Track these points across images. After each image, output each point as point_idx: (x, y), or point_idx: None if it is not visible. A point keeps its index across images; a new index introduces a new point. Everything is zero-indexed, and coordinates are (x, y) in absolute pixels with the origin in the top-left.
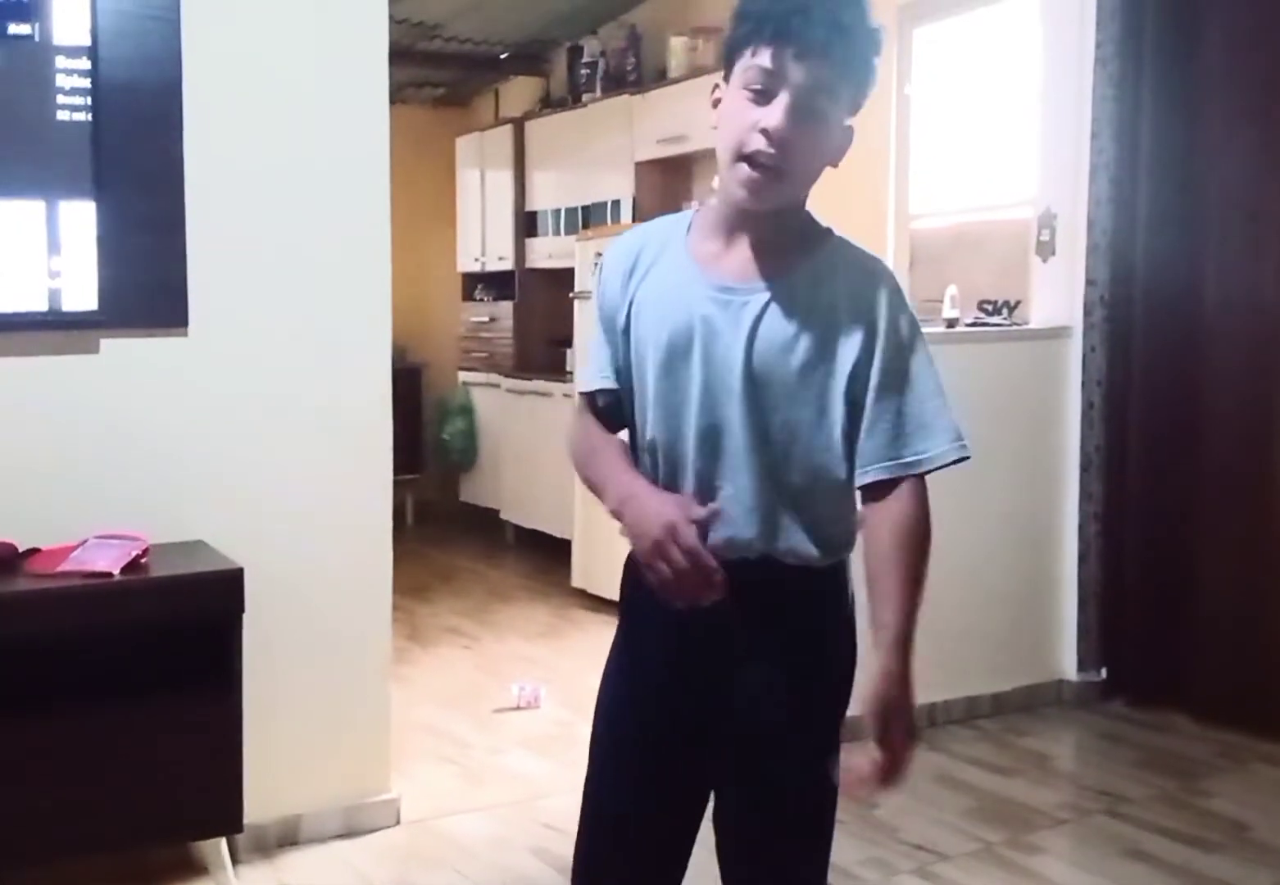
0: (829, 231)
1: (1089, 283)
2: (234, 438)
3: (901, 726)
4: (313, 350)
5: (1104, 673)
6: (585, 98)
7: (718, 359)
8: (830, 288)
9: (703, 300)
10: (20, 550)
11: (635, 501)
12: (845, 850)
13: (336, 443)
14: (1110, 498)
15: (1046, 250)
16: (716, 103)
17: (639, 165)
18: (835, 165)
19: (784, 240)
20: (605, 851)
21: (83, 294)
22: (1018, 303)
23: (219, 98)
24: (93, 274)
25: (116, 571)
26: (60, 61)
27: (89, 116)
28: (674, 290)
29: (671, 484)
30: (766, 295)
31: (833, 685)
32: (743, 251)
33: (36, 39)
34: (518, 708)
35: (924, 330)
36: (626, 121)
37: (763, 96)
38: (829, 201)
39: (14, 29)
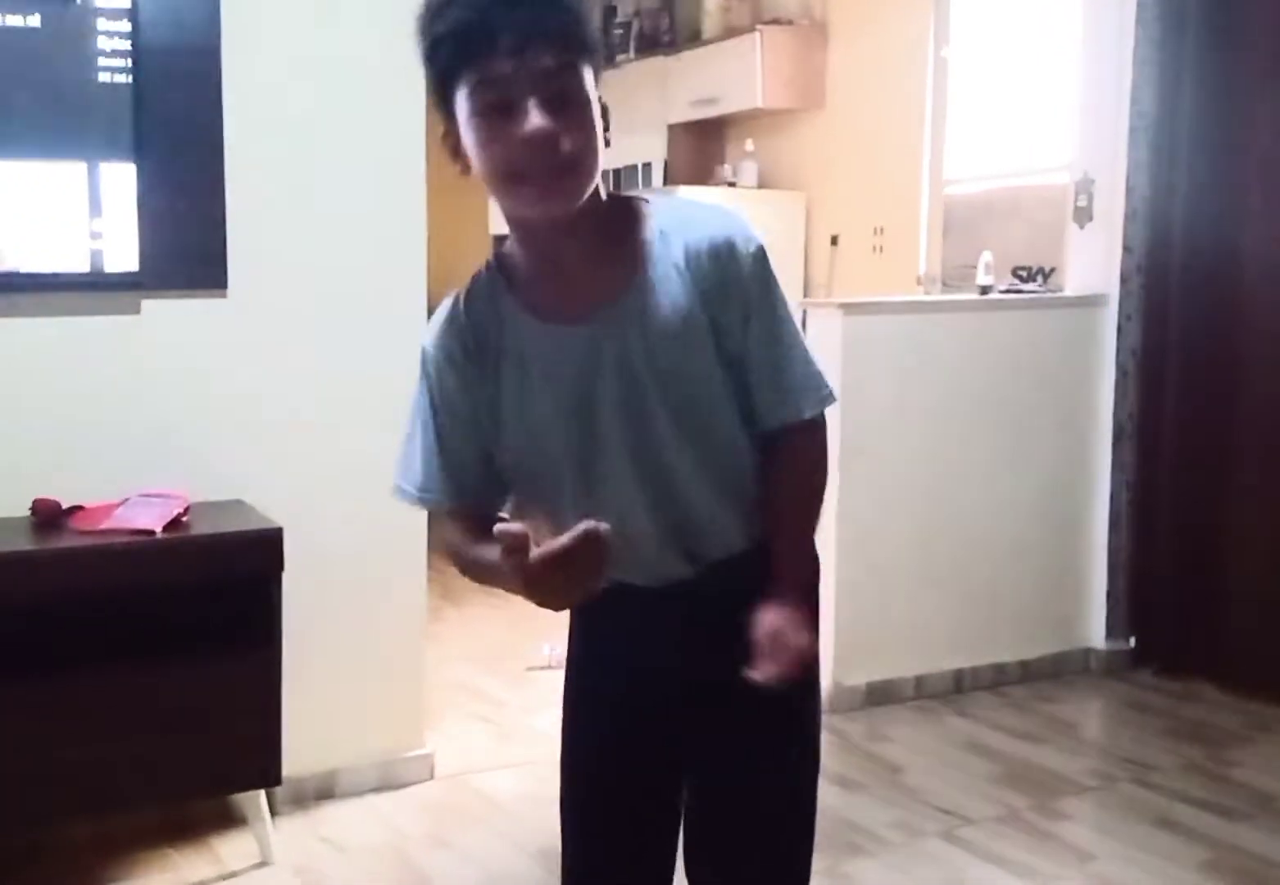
0: (640, 204)
1: (1126, 250)
2: (272, 398)
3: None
4: (349, 311)
5: (1132, 641)
6: (619, 59)
7: (629, 402)
8: (675, 272)
9: (555, 349)
10: (64, 507)
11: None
12: (871, 811)
13: (373, 403)
14: (1142, 467)
15: (1084, 216)
16: (455, 152)
17: (671, 128)
18: (608, 143)
19: (606, 241)
20: (594, 857)
21: (124, 255)
22: (1053, 270)
23: (257, 60)
24: (134, 236)
25: (159, 529)
26: (101, 23)
27: (129, 79)
28: (544, 360)
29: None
30: (627, 313)
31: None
32: (575, 280)
33: (78, 2)
34: (549, 667)
35: (958, 296)
36: (660, 83)
37: (505, 110)
38: (862, 165)
39: None
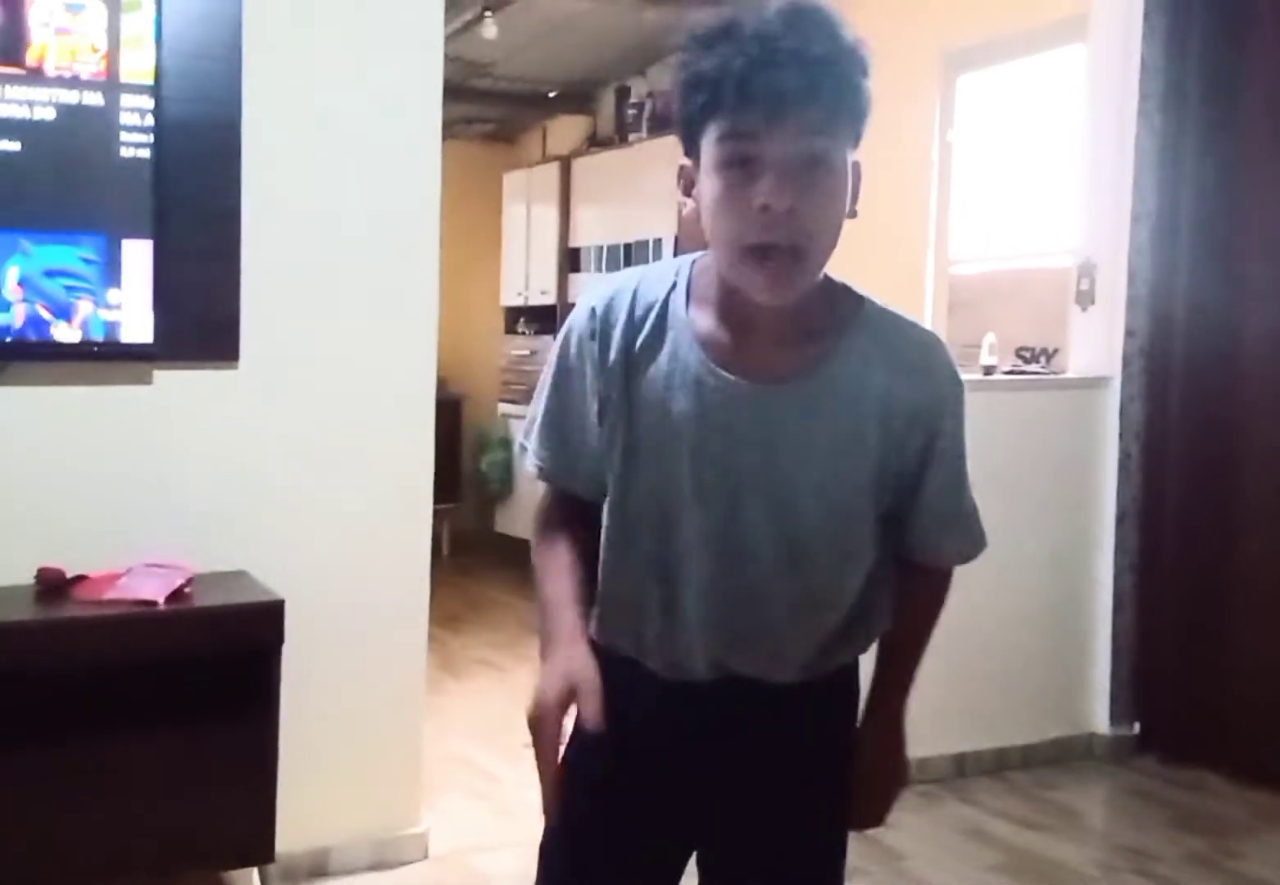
0: (861, 301)
1: (1129, 333)
2: (278, 469)
3: (889, 803)
4: (359, 384)
5: (1137, 727)
6: (631, 137)
7: (736, 469)
8: (867, 388)
9: (722, 402)
10: (69, 576)
11: (546, 664)
12: None
13: (378, 475)
14: (1146, 550)
15: (1086, 299)
16: (688, 188)
17: (682, 204)
18: (854, 215)
19: (810, 322)
20: None
21: (139, 327)
22: (1055, 351)
23: (276, 135)
24: (149, 308)
25: (161, 600)
26: (125, 100)
27: (150, 153)
28: (684, 389)
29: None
30: (799, 395)
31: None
32: (762, 343)
33: (104, 77)
34: None
35: (962, 377)
36: (671, 160)
37: (748, 169)
38: (869, 245)
39: (81, 68)
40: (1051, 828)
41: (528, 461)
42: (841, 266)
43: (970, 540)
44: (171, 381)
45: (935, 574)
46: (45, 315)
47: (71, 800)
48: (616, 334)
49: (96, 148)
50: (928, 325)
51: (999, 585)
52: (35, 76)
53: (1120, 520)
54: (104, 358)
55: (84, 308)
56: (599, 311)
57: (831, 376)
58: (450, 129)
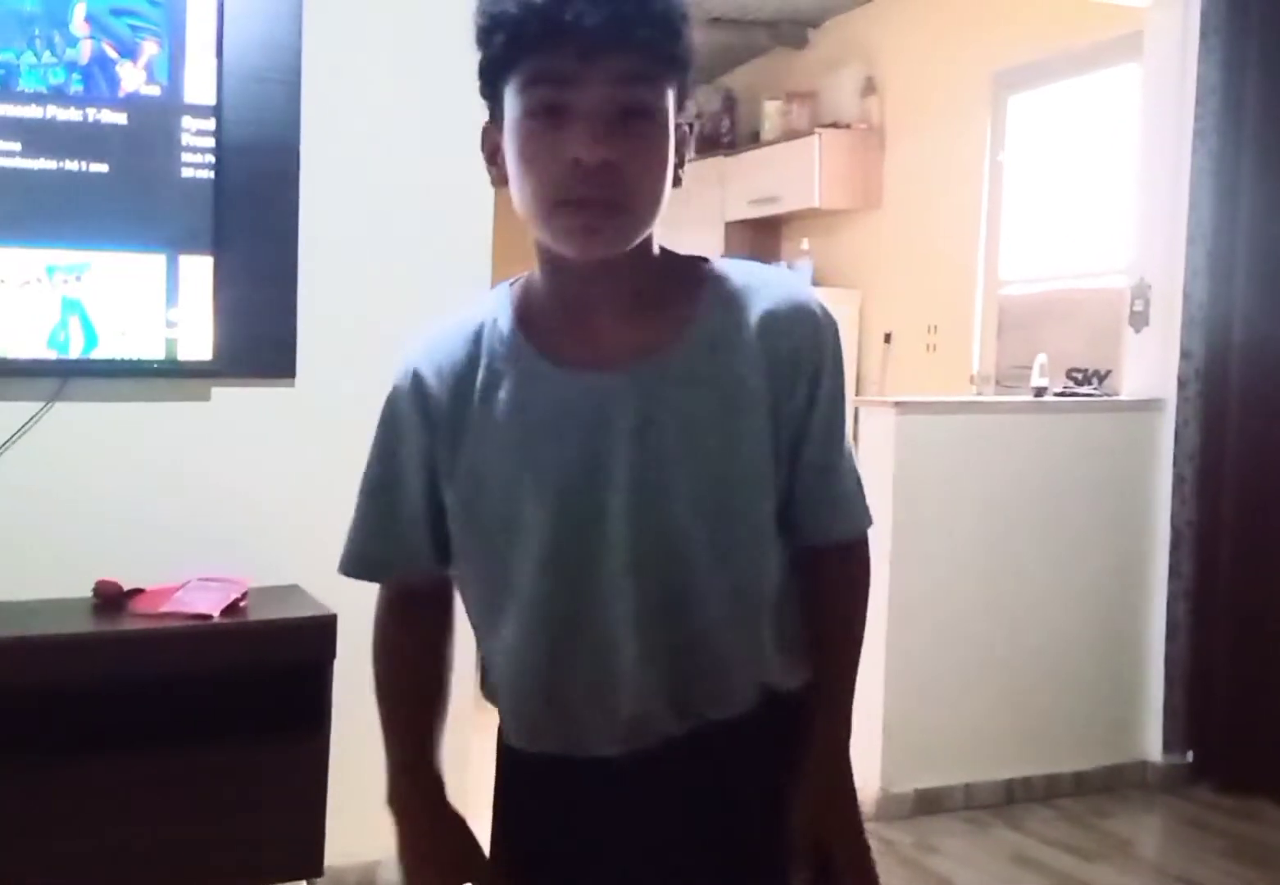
0: (702, 261)
1: (1184, 355)
2: (333, 486)
3: (853, 856)
4: None
5: (1190, 756)
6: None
7: (646, 480)
8: (739, 343)
9: (589, 404)
10: (125, 590)
11: (411, 833)
12: None
13: None
14: (1200, 575)
15: (1140, 321)
16: (493, 154)
17: (729, 225)
18: (678, 181)
19: (650, 299)
20: None
21: (198, 344)
22: (1108, 372)
23: (333, 157)
24: (208, 325)
25: (216, 614)
26: (187, 121)
27: (211, 174)
28: (540, 404)
29: (566, 677)
30: (669, 371)
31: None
32: (606, 327)
33: (167, 99)
34: None
35: (1013, 398)
36: (719, 181)
37: (557, 119)
38: (917, 265)
39: (146, 90)
40: (1103, 856)
41: (342, 563)
42: (892, 286)
43: (851, 507)
44: (229, 398)
45: (831, 559)
46: (105, 332)
47: (123, 814)
48: (439, 387)
49: (158, 168)
50: (977, 346)
51: (1050, 609)
52: (100, 96)
53: (1174, 545)
54: (162, 374)
55: (143, 324)
56: (412, 373)
57: (697, 343)
58: None
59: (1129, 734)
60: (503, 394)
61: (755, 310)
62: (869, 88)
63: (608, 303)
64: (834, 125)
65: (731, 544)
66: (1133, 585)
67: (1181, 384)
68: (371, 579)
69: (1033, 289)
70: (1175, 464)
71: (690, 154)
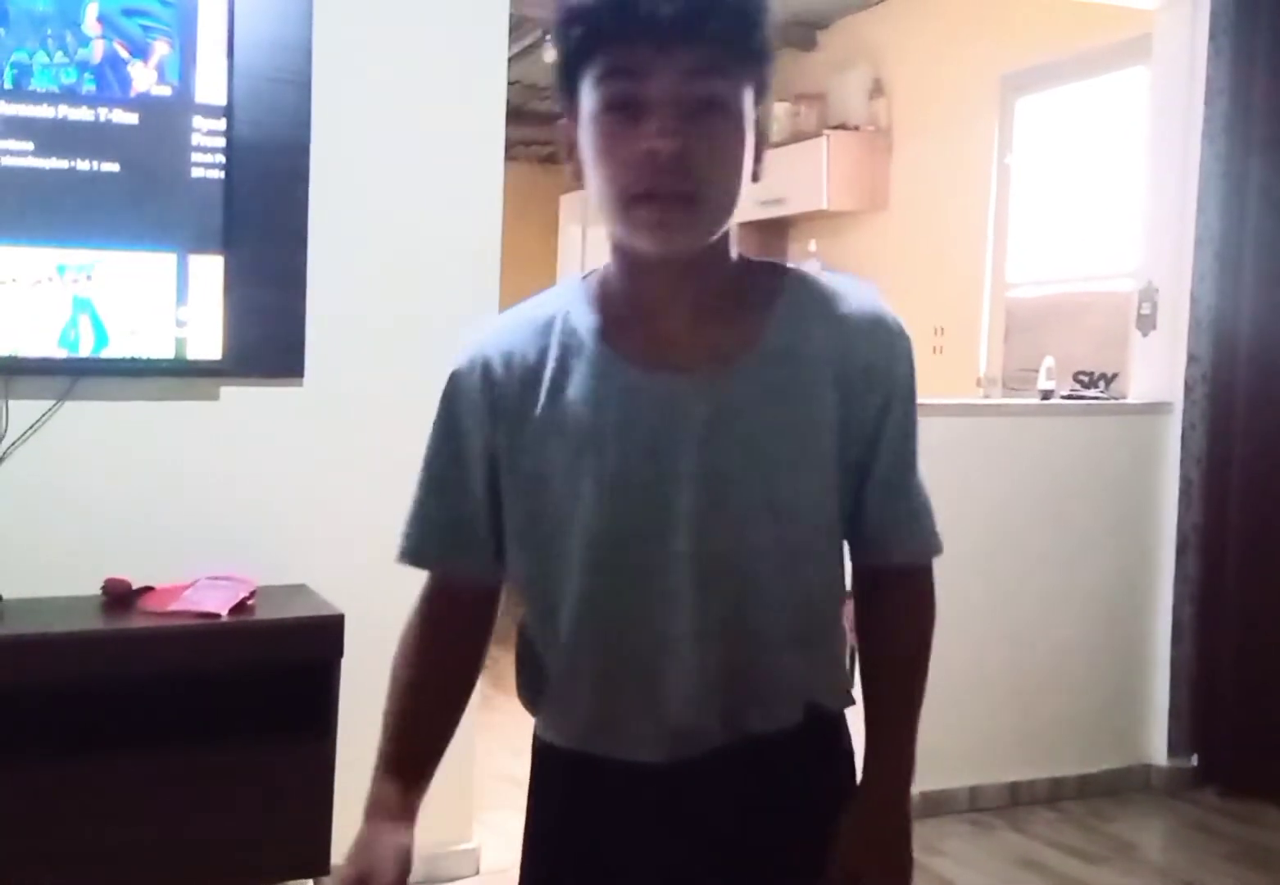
0: (777, 268)
1: (1191, 358)
2: (341, 485)
3: None
4: (421, 401)
5: (1195, 759)
6: None
7: (712, 484)
8: (812, 356)
9: (660, 405)
10: (134, 588)
11: (366, 820)
12: None
13: None
14: (1207, 578)
15: (1147, 324)
16: (570, 150)
17: (738, 226)
18: (757, 177)
19: (726, 301)
20: None
21: (207, 343)
22: (1115, 375)
23: (343, 157)
24: (218, 324)
25: (224, 613)
26: (198, 121)
27: (222, 174)
28: (611, 402)
29: (616, 671)
30: (734, 378)
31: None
32: (680, 327)
33: (178, 99)
34: None
35: (1019, 400)
36: None
37: (632, 112)
38: (924, 266)
39: (157, 90)
40: (1106, 859)
41: (400, 551)
42: (898, 289)
43: (921, 530)
44: (238, 397)
45: (893, 583)
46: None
47: (130, 812)
48: (506, 376)
49: (168, 167)
50: (984, 349)
51: (1056, 612)
52: (112, 96)
53: (1181, 549)
54: (172, 374)
55: (153, 323)
56: (481, 360)
57: (770, 351)
58: (509, 151)
59: (1134, 737)
60: (571, 389)
61: (831, 321)
62: (877, 90)
63: (683, 302)
64: (842, 127)
65: (794, 553)
66: (1139, 588)
67: (1188, 387)
68: (428, 568)
69: (1040, 291)
70: (1182, 467)
71: (768, 149)
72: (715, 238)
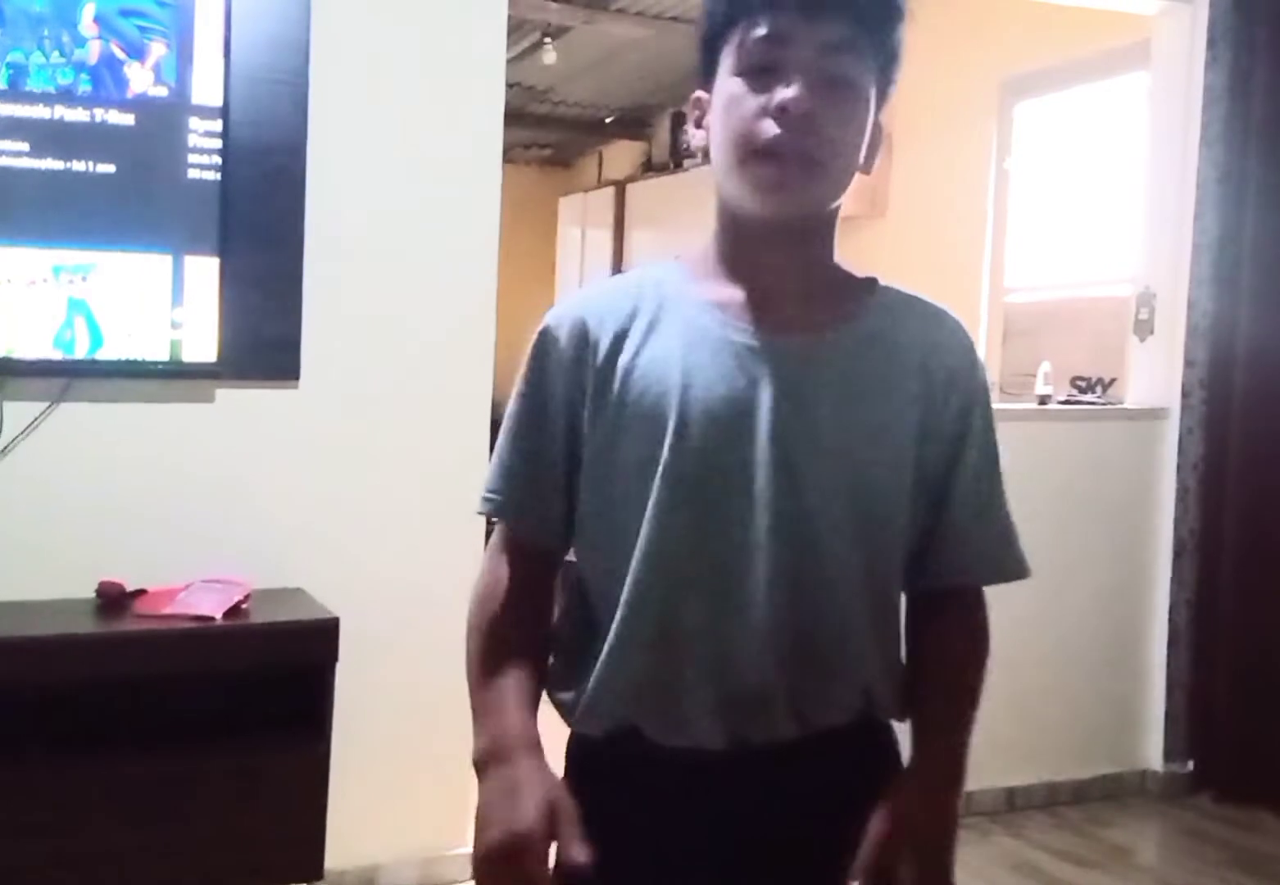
0: (874, 279)
1: (1188, 364)
2: (336, 488)
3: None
4: (417, 404)
5: (1191, 765)
6: (687, 163)
7: (789, 441)
8: (903, 344)
9: (751, 358)
10: (129, 591)
11: (501, 776)
12: None
13: (435, 496)
14: (1203, 584)
15: (1145, 329)
16: (699, 120)
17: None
18: (869, 169)
19: (822, 283)
20: None
21: (202, 345)
22: (1112, 380)
23: (340, 158)
24: (213, 326)
25: (219, 616)
26: (194, 122)
27: (218, 175)
28: (703, 349)
29: (683, 627)
30: (832, 346)
31: None
32: (774, 297)
33: (174, 100)
34: None
35: (1017, 405)
36: None
37: (768, 76)
38: (922, 271)
39: (154, 91)
40: (1101, 865)
41: (483, 503)
42: None
43: (1011, 550)
44: (233, 399)
45: (968, 603)
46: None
47: (123, 815)
48: (598, 330)
49: (164, 168)
50: (981, 355)
51: (1052, 617)
52: (108, 97)
53: (1177, 554)
54: (167, 375)
55: (148, 325)
56: (575, 316)
57: (867, 328)
58: (507, 153)
59: (1130, 742)
60: (661, 335)
61: (918, 323)
62: None
63: (787, 270)
64: None
65: (865, 525)
66: (1135, 593)
67: (1185, 393)
68: (505, 520)
69: (1038, 297)
70: (1179, 472)
71: (879, 154)
72: (825, 211)
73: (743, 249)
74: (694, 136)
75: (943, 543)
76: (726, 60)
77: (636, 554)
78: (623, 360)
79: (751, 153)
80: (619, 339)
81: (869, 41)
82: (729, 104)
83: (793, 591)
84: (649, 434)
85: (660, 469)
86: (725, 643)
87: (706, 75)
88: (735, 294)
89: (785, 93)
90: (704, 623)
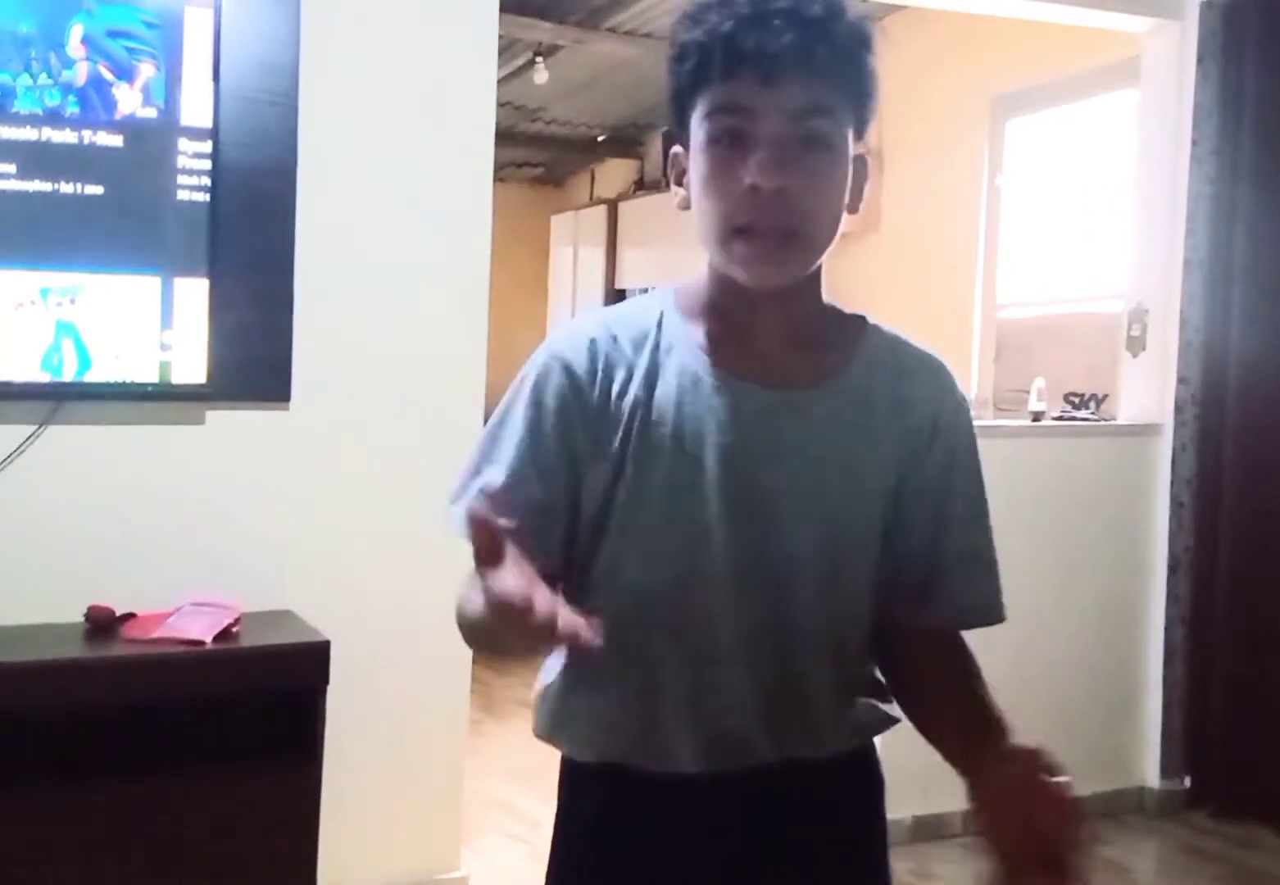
0: (865, 320)
1: (1181, 380)
2: (327, 511)
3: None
4: (409, 425)
5: (1188, 781)
6: None
7: (765, 487)
8: (888, 390)
9: (742, 413)
10: (118, 615)
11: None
12: None
13: (426, 519)
14: (1198, 600)
15: (1137, 345)
16: (679, 177)
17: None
18: (855, 209)
19: (813, 331)
20: None
21: (192, 367)
22: (1105, 396)
23: (330, 179)
24: (203, 348)
25: (209, 640)
26: (183, 144)
27: (207, 197)
28: (703, 403)
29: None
30: (815, 402)
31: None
32: (765, 349)
33: (163, 121)
34: None
35: (1010, 422)
36: None
37: (738, 147)
38: (915, 288)
39: (142, 112)
40: (1099, 882)
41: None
42: (890, 309)
43: (993, 595)
44: (223, 421)
45: (953, 643)
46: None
47: (115, 839)
48: (604, 360)
49: (154, 190)
50: (974, 370)
51: (1047, 635)
52: (96, 119)
53: (1172, 570)
54: (156, 398)
55: (137, 347)
56: (588, 340)
57: (851, 382)
58: (499, 172)
59: (1126, 759)
60: (662, 382)
61: (903, 373)
62: None
63: (773, 328)
64: None
65: (836, 571)
66: (1130, 610)
67: (1178, 408)
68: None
69: (1030, 313)
70: (1172, 488)
71: (867, 182)
72: (810, 271)
73: (732, 305)
74: (677, 195)
75: (931, 591)
76: (697, 126)
77: (617, 596)
78: (625, 400)
79: (732, 231)
80: (617, 372)
81: (838, 92)
82: (704, 182)
83: (764, 636)
84: (642, 480)
85: (637, 515)
86: (703, 688)
87: (680, 132)
88: (725, 341)
89: (754, 171)
90: (683, 664)
